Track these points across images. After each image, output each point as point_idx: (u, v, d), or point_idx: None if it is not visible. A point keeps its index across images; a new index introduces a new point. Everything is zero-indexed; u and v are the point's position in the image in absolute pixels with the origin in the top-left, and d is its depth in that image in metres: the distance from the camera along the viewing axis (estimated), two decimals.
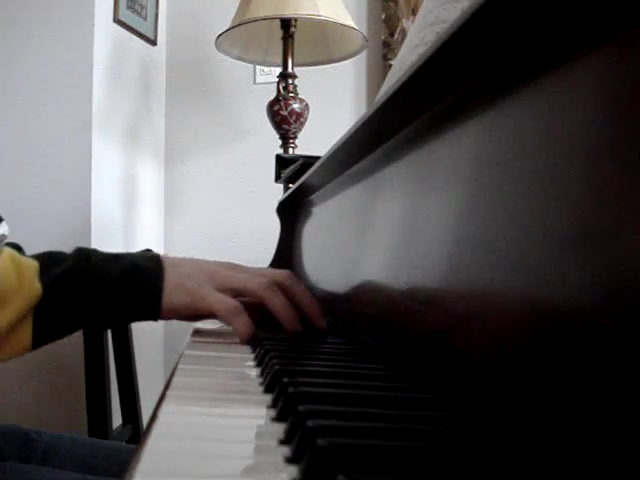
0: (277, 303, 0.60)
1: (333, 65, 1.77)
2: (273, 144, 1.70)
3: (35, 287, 0.56)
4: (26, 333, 0.57)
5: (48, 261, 0.58)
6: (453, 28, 0.36)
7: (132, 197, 1.92)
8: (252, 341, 0.57)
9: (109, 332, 1.51)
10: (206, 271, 0.60)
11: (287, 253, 1.12)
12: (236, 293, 0.60)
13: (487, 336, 0.33)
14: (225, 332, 0.66)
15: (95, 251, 0.61)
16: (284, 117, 1.63)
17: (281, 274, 0.63)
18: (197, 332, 0.66)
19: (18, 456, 0.71)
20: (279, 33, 1.64)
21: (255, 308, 0.60)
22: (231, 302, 0.58)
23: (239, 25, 1.56)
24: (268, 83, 1.90)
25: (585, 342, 0.25)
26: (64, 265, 0.58)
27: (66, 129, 1.72)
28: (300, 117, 1.65)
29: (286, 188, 1.48)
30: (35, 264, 0.57)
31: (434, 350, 0.41)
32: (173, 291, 0.58)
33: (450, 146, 0.44)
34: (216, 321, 0.65)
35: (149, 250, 0.91)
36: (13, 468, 0.64)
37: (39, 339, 0.58)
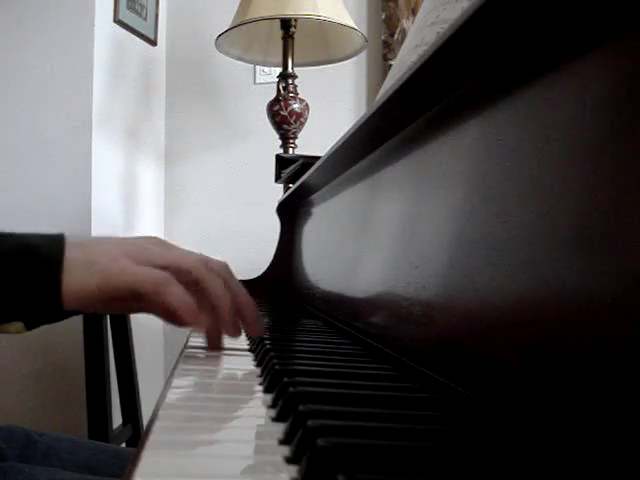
0: (216, 285, 0.49)
1: (333, 65, 1.77)
2: (273, 144, 1.70)
3: None
4: None
5: None
6: (453, 28, 0.36)
7: (132, 197, 1.92)
8: (200, 321, 0.48)
9: (109, 332, 1.51)
10: (127, 245, 0.49)
11: (287, 253, 1.12)
12: (171, 273, 0.48)
13: (487, 336, 0.33)
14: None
15: None
16: (284, 117, 1.63)
17: (218, 262, 0.52)
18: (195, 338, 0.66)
19: (19, 457, 0.71)
20: (279, 33, 1.64)
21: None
22: (157, 272, 0.46)
23: (239, 25, 1.56)
24: (268, 83, 1.90)
25: (585, 342, 0.25)
26: None
27: (66, 129, 1.72)
28: (300, 117, 1.65)
29: (286, 188, 1.48)
30: None
31: (434, 350, 0.41)
32: (77, 272, 0.46)
33: (450, 146, 0.44)
34: None
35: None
36: (14, 468, 0.64)
37: None
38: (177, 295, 0.46)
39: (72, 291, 0.46)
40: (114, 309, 0.52)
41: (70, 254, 0.46)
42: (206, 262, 0.50)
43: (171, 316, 0.47)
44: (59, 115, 1.73)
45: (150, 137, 2.02)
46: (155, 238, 0.52)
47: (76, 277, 0.46)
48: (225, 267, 0.52)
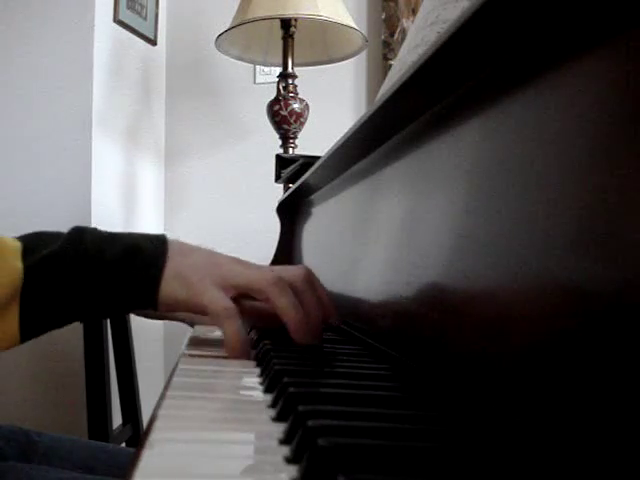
0: (283, 302, 0.51)
1: (333, 65, 1.77)
2: (273, 144, 1.70)
3: (16, 269, 0.49)
4: (12, 321, 0.50)
5: (35, 241, 0.52)
6: (453, 28, 0.36)
7: (132, 197, 1.92)
8: (242, 353, 0.50)
9: (109, 332, 1.51)
10: (212, 264, 0.53)
11: (287, 253, 1.12)
12: (241, 291, 0.53)
13: (488, 336, 0.33)
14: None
15: (94, 230, 0.54)
16: (284, 117, 1.63)
17: (295, 273, 0.55)
18: (195, 338, 0.66)
19: (19, 457, 0.71)
20: (279, 33, 1.64)
21: (265, 314, 0.54)
22: (224, 302, 0.51)
23: (239, 25, 1.56)
24: (268, 83, 1.90)
25: (586, 342, 0.25)
26: (53, 245, 0.51)
27: (66, 129, 1.72)
28: (300, 117, 1.65)
29: (286, 188, 1.48)
30: (18, 244, 0.51)
31: (434, 350, 0.41)
32: (172, 282, 0.52)
33: (450, 146, 0.44)
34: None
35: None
36: (14, 468, 0.64)
37: (28, 328, 0.51)
38: (231, 327, 0.50)
39: (164, 299, 0.52)
40: (188, 322, 0.59)
41: (170, 262, 0.52)
42: (278, 280, 0.52)
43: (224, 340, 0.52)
44: (59, 115, 1.73)
45: (150, 137, 2.02)
46: (240, 259, 0.56)
47: (168, 289, 0.52)
48: (300, 280, 0.54)
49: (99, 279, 0.51)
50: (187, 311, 0.54)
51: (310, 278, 0.55)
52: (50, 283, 0.50)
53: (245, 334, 0.51)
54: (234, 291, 0.52)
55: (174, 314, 0.63)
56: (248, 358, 0.50)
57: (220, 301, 0.51)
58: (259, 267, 0.55)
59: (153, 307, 0.53)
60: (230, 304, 0.51)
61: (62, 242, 0.52)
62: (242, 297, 0.53)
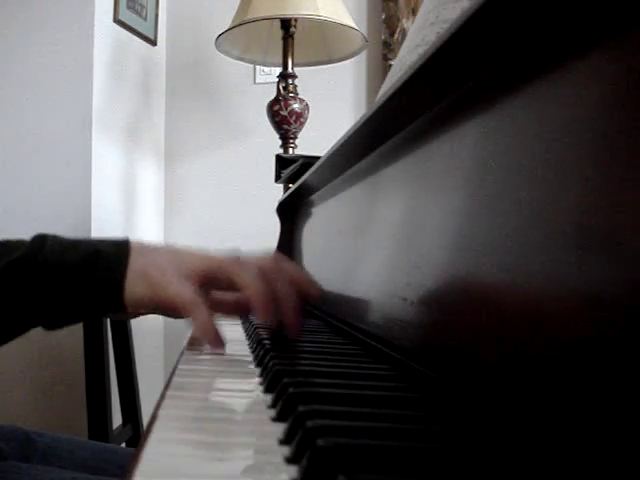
0: (245, 277, 0.52)
1: (333, 65, 1.77)
2: (273, 144, 1.70)
3: None
4: None
5: None
6: (453, 28, 0.36)
7: (132, 197, 1.92)
8: (215, 339, 0.51)
9: (109, 332, 1.51)
10: (171, 257, 0.54)
11: (287, 253, 1.12)
12: (204, 276, 0.53)
13: (488, 336, 0.33)
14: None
15: (55, 237, 0.54)
16: (284, 117, 1.63)
17: (260, 258, 0.55)
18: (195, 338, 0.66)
19: (18, 456, 0.71)
20: (279, 33, 1.64)
21: (230, 301, 0.55)
22: (189, 293, 0.51)
23: (239, 25, 1.56)
24: (268, 83, 1.90)
25: (586, 342, 0.25)
26: (14, 254, 0.51)
27: (66, 129, 1.72)
28: (300, 117, 1.65)
29: (286, 188, 1.48)
30: None
31: (434, 350, 0.41)
32: (136, 282, 0.52)
33: (450, 146, 0.44)
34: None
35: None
36: (13, 467, 0.64)
37: None
38: (199, 316, 0.51)
39: (130, 301, 0.52)
40: (161, 314, 0.58)
41: (132, 263, 0.52)
42: (237, 259, 0.54)
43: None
44: (59, 115, 1.73)
45: (150, 137, 2.02)
46: (199, 251, 0.56)
47: (133, 289, 0.52)
48: (264, 263, 0.54)
49: (60, 286, 0.51)
50: (157, 308, 0.54)
51: (276, 261, 0.56)
52: (10, 292, 0.51)
53: (214, 321, 0.52)
54: (197, 279, 0.53)
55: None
56: (222, 345, 0.52)
57: (185, 292, 0.51)
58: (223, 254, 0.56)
59: (120, 310, 0.53)
60: (195, 295, 0.51)
61: (22, 250, 0.52)
62: (208, 285, 0.54)
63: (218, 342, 0.52)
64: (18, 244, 0.53)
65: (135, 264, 0.52)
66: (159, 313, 0.56)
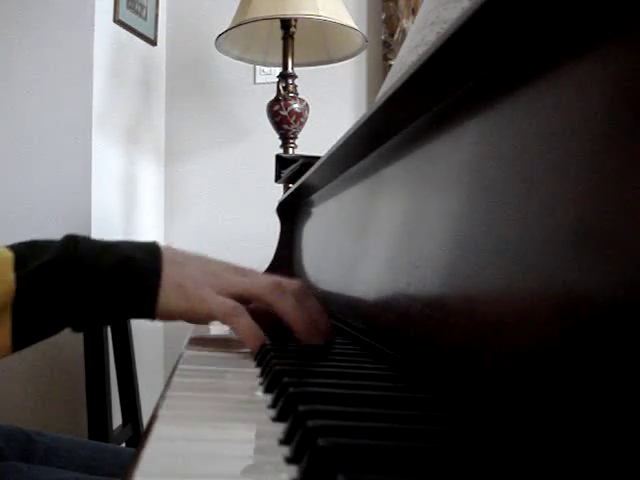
0: (286, 305, 0.53)
1: (333, 65, 1.77)
2: (273, 144, 1.70)
3: (8, 280, 0.49)
4: (4, 332, 0.50)
5: (27, 251, 0.51)
6: (453, 28, 0.36)
7: (132, 197, 1.92)
8: (261, 343, 0.52)
9: (109, 332, 1.51)
10: (209, 273, 0.54)
11: (287, 253, 1.12)
12: (240, 298, 0.54)
13: (488, 336, 0.33)
14: (224, 337, 0.66)
15: (86, 239, 0.53)
16: (284, 117, 1.63)
17: (292, 282, 0.56)
18: (195, 338, 0.66)
19: (18, 457, 0.71)
20: (279, 33, 1.64)
21: (263, 314, 0.55)
22: (230, 303, 0.52)
23: (239, 25, 1.56)
24: (268, 83, 1.90)
25: (586, 342, 0.25)
26: (46, 256, 0.51)
27: (66, 129, 1.72)
28: (300, 117, 1.65)
29: (286, 188, 1.48)
30: (10, 255, 0.50)
31: (434, 350, 0.41)
32: (170, 293, 0.52)
33: (450, 146, 0.44)
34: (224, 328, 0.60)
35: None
36: (14, 468, 0.64)
37: (20, 339, 0.51)
38: (244, 324, 0.52)
39: (163, 310, 0.53)
40: (191, 322, 0.58)
41: (166, 273, 0.53)
42: (277, 286, 0.54)
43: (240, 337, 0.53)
44: (59, 115, 1.73)
45: (150, 137, 2.02)
46: (235, 265, 0.58)
47: (167, 300, 0.52)
48: (298, 289, 0.55)
49: (94, 289, 0.51)
50: (187, 320, 0.55)
51: (307, 290, 0.57)
52: (44, 293, 0.50)
53: (257, 326, 0.53)
54: (234, 297, 0.54)
55: None
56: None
57: (225, 302, 0.52)
58: (255, 274, 0.57)
59: (151, 317, 0.53)
60: (235, 303, 0.53)
61: (56, 251, 0.51)
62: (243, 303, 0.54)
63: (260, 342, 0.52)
64: (47, 244, 0.53)
65: (170, 274, 0.53)
66: (188, 321, 0.56)
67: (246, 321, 0.52)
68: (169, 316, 0.54)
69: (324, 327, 0.56)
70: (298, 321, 0.53)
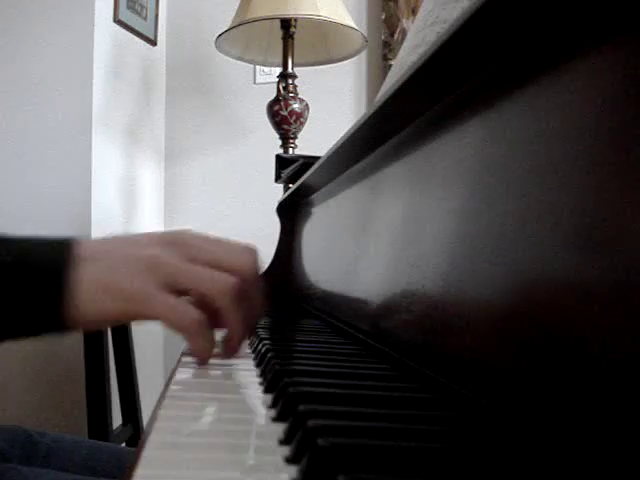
0: (236, 319, 0.45)
1: (333, 65, 1.77)
2: (273, 144, 1.70)
3: None
4: None
5: None
6: (453, 28, 0.36)
7: (132, 197, 1.92)
8: (207, 360, 0.45)
9: (109, 332, 1.51)
10: (145, 261, 0.42)
11: (287, 253, 1.12)
12: (186, 292, 0.44)
13: (488, 336, 0.33)
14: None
15: None
16: (284, 117, 1.63)
17: (242, 265, 0.45)
18: None
19: (21, 457, 0.71)
20: (279, 33, 1.64)
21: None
22: (191, 313, 0.42)
23: (239, 25, 1.56)
24: (268, 83, 1.90)
25: (586, 342, 0.25)
26: None
27: (66, 129, 1.72)
28: (300, 117, 1.64)
29: (286, 188, 1.48)
30: None
31: (434, 350, 0.41)
32: (96, 294, 0.41)
33: (450, 146, 0.44)
34: None
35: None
36: (14, 470, 0.64)
37: None
38: (204, 344, 0.44)
39: (87, 313, 0.41)
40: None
41: (84, 270, 0.41)
42: (231, 289, 0.43)
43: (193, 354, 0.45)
44: (59, 115, 1.73)
45: (150, 137, 2.02)
46: (177, 235, 0.45)
47: (93, 299, 0.41)
48: (251, 269, 0.46)
49: None
50: (126, 321, 0.45)
51: (254, 270, 0.47)
52: None
53: (214, 344, 0.45)
54: (178, 294, 0.43)
55: None
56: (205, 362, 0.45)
57: (185, 311, 0.42)
58: (204, 249, 0.45)
59: (63, 329, 0.41)
60: (198, 315, 0.42)
61: None
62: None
63: (206, 360, 0.45)
64: None
65: (88, 272, 0.41)
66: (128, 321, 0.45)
67: (207, 342, 0.44)
68: (101, 323, 0.44)
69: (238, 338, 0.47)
70: (238, 338, 0.47)
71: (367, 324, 0.57)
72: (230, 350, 0.48)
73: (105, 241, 0.45)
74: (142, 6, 1.93)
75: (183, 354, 0.52)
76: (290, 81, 1.64)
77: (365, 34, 1.66)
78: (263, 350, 0.49)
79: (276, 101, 1.65)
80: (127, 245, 0.44)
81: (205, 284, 0.43)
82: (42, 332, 0.41)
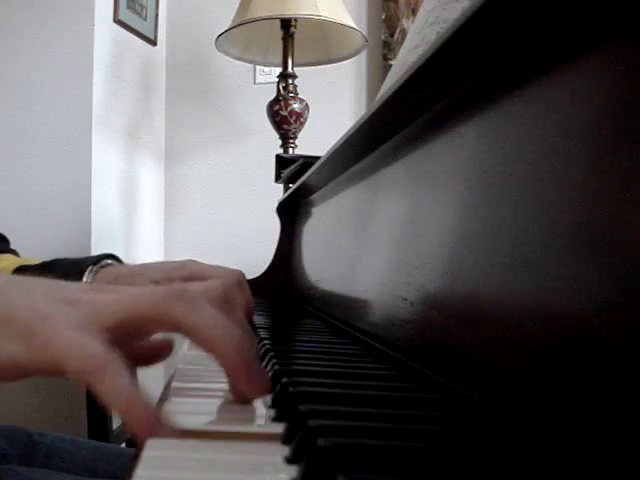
0: (202, 320, 0.32)
1: (333, 65, 1.77)
2: (273, 144, 1.70)
3: None
4: None
5: None
6: (453, 28, 0.36)
7: (132, 197, 1.92)
8: (148, 418, 0.30)
9: None
10: (62, 299, 0.32)
11: (287, 253, 1.12)
12: (122, 327, 0.32)
13: (488, 336, 0.33)
14: None
15: None
16: (284, 117, 1.63)
17: (208, 283, 0.37)
18: None
19: (21, 458, 0.71)
20: (279, 33, 1.64)
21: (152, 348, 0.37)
22: (93, 348, 0.29)
23: (239, 25, 1.56)
24: (268, 83, 1.90)
25: (586, 342, 0.25)
26: None
27: (66, 129, 1.72)
28: (300, 117, 1.64)
29: (286, 188, 1.47)
30: None
31: (434, 350, 0.41)
32: None
33: (450, 146, 0.44)
34: None
35: (111, 255, 0.67)
36: (15, 471, 0.64)
37: None
38: (110, 385, 0.30)
39: None
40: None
41: None
42: (180, 293, 0.32)
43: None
44: (59, 115, 1.73)
45: (150, 137, 2.02)
46: (97, 287, 0.35)
47: None
48: (217, 292, 0.37)
49: None
50: (35, 374, 0.31)
51: (240, 283, 0.38)
52: None
53: (134, 387, 0.30)
54: (108, 334, 0.31)
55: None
56: (166, 432, 0.29)
57: (88, 347, 0.29)
58: (141, 277, 0.36)
59: None
60: (105, 349, 0.29)
61: None
62: (124, 338, 0.32)
63: (161, 424, 0.30)
64: None
65: None
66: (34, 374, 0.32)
67: (115, 380, 0.29)
68: (6, 374, 0.31)
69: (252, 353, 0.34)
70: (229, 349, 0.32)
71: (367, 324, 0.57)
72: (234, 378, 0.34)
73: (16, 278, 0.38)
74: (142, 6, 1.93)
75: (182, 354, 0.52)
76: (290, 81, 1.64)
77: (365, 34, 1.66)
78: (263, 350, 0.49)
79: (276, 101, 1.65)
80: (43, 281, 0.35)
81: (132, 303, 0.32)
82: None
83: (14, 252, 0.79)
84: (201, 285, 0.37)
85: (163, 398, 0.37)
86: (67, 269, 0.64)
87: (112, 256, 0.68)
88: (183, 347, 0.57)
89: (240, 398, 0.34)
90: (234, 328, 0.33)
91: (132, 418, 0.31)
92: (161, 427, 0.30)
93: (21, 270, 0.67)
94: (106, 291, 0.33)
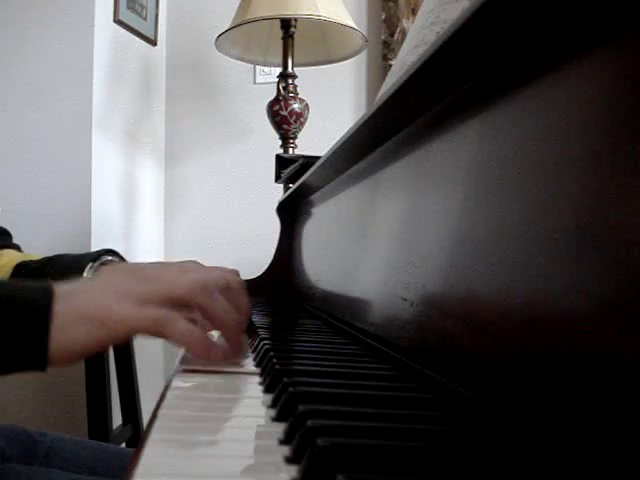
0: (215, 310, 0.47)
1: (333, 65, 1.77)
2: (273, 144, 1.70)
3: None
4: None
5: None
6: (453, 28, 0.36)
7: (132, 197, 1.92)
8: (211, 349, 0.44)
9: None
10: (115, 291, 0.44)
11: (287, 253, 1.12)
12: (173, 304, 0.45)
13: (487, 336, 0.33)
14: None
15: None
16: (284, 117, 1.63)
17: (217, 277, 0.48)
18: None
19: (21, 457, 0.71)
20: (279, 33, 1.64)
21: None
22: (155, 310, 0.43)
23: (239, 25, 1.56)
24: (268, 83, 1.90)
25: (585, 341, 0.25)
26: None
27: (66, 129, 1.72)
28: (300, 117, 1.64)
29: (286, 188, 1.48)
30: None
31: (434, 350, 0.41)
32: (73, 327, 0.41)
33: (450, 146, 0.44)
34: None
35: (110, 251, 0.72)
36: (15, 470, 0.64)
37: None
38: (180, 330, 0.42)
39: (66, 346, 0.41)
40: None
41: (60, 308, 0.41)
42: (203, 286, 0.46)
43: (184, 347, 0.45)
44: (59, 115, 1.73)
45: (150, 137, 2.02)
46: (145, 268, 0.49)
47: (71, 332, 0.41)
48: (224, 282, 0.49)
49: None
50: (106, 347, 0.44)
51: (231, 281, 0.50)
52: None
53: (199, 329, 0.44)
54: (156, 304, 0.44)
55: None
56: (220, 359, 0.45)
57: (149, 312, 0.43)
58: (169, 272, 0.48)
59: (44, 365, 0.41)
60: (164, 310, 0.43)
61: None
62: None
63: (216, 349, 0.44)
64: None
65: (64, 307, 0.42)
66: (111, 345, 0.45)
67: (181, 325, 0.42)
68: (74, 353, 0.42)
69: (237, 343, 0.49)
70: (228, 326, 0.47)
71: (367, 324, 0.57)
72: (232, 345, 0.48)
73: (82, 283, 0.50)
74: (142, 6, 1.93)
75: (182, 354, 0.52)
76: (290, 81, 1.64)
77: (365, 34, 1.66)
78: (263, 350, 0.49)
79: (276, 101, 1.65)
80: (93, 283, 0.48)
81: (170, 289, 0.45)
82: (25, 367, 0.41)
83: (16, 247, 0.79)
84: (217, 275, 0.49)
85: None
86: (68, 265, 0.65)
87: (112, 251, 0.71)
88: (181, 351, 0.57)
89: (228, 356, 0.47)
90: (234, 313, 0.48)
91: (195, 348, 0.43)
92: (216, 352, 0.44)
93: (22, 266, 0.68)
94: (146, 278, 0.46)
